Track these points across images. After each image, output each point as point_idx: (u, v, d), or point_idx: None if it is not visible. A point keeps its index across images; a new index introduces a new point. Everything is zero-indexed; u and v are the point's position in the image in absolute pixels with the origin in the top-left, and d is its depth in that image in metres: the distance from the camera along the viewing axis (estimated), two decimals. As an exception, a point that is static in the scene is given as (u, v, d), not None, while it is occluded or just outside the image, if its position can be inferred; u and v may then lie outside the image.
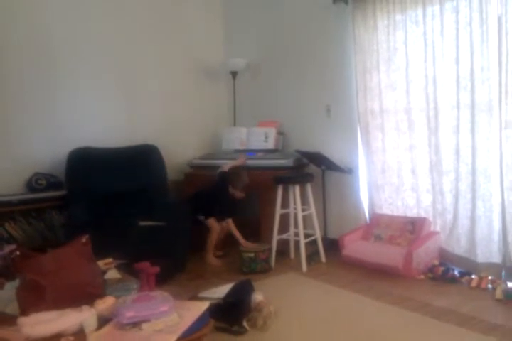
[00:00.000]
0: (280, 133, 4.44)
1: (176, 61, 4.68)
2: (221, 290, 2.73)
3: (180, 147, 4.60)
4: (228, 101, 4.99)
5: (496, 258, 3.13)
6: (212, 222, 3.75)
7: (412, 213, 3.61)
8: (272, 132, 4.37)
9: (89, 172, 3.68)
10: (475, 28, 3.02)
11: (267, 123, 4.49)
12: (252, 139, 4.43)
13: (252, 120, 4.65)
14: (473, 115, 3.10)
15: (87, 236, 2.08)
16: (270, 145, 4.34)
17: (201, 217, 3.76)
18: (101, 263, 2.34)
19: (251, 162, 4.06)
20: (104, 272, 2.30)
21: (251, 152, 4.29)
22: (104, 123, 4.19)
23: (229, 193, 3.79)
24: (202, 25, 4.89)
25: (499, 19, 2.91)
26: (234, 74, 4.74)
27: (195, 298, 2.64)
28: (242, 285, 2.75)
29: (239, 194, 3.82)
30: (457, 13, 3.11)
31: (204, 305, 1.84)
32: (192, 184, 4.18)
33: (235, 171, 3.83)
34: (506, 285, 2.95)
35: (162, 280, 2.37)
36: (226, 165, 3.92)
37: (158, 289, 2.04)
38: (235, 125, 4.82)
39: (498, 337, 2.36)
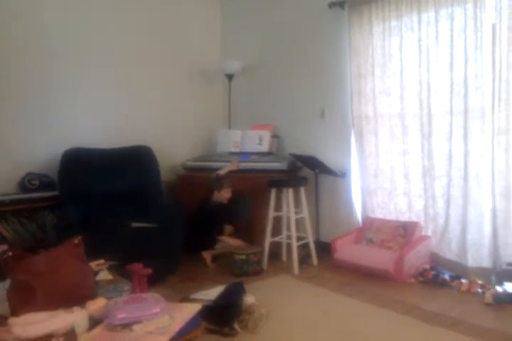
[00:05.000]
0: (275, 136, 4.45)
1: (171, 62, 4.69)
2: (213, 292, 2.73)
3: (174, 148, 4.59)
4: (223, 103, 5.00)
5: (486, 263, 3.16)
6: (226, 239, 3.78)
7: (404, 217, 3.63)
8: (267, 135, 4.39)
9: (82, 173, 3.67)
10: (469, 35, 3.06)
11: (262, 126, 4.51)
12: (246, 142, 4.44)
13: (247, 123, 4.67)
14: (466, 121, 3.13)
15: (79, 237, 2.08)
16: (264, 148, 4.35)
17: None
18: (93, 264, 2.33)
19: (245, 165, 4.06)
20: (96, 273, 2.29)
21: (245, 155, 4.30)
22: (98, 123, 4.19)
23: (217, 203, 3.78)
24: (198, 27, 4.90)
25: (493, 27, 2.95)
26: (230, 76, 4.75)
27: (186, 299, 2.64)
28: (234, 287, 2.75)
29: (224, 195, 3.80)
30: (452, 20, 3.14)
31: (196, 307, 1.85)
32: (185, 186, 4.17)
33: (218, 177, 3.83)
34: (496, 289, 2.98)
35: (154, 281, 2.37)
36: (221, 170, 3.90)
37: (150, 291, 2.04)
38: (230, 127, 4.83)
39: (487, 339, 2.38)
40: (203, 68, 4.91)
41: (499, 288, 2.99)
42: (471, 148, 3.13)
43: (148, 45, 4.51)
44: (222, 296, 2.64)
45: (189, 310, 1.83)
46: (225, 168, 3.94)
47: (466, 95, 3.10)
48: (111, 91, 4.28)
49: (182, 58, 4.76)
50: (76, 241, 2.07)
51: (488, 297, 2.89)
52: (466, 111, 3.11)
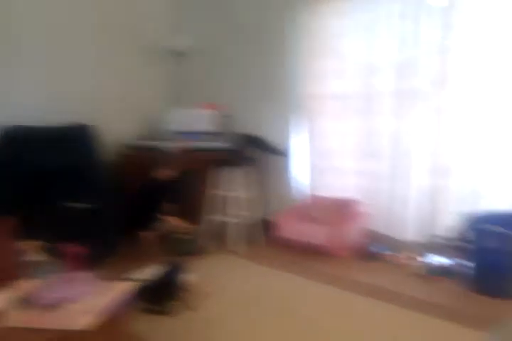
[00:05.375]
0: (224, 115, 4.44)
1: (116, 37, 4.47)
2: (151, 272, 2.73)
3: (119, 127, 4.47)
4: (172, 81, 4.91)
5: (417, 237, 3.35)
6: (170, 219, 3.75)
7: (346, 195, 3.75)
8: (216, 114, 4.37)
9: (18, 151, 3.51)
10: (417, 18, 3.13)
11: (211, 105, 4.48)
12: (194, 121, 4.41)
13: (195, 101, 4.62)
14: (403, 102, 3.25)
15: (10, 216, 2.03)
16: (212, 127, 4.34)
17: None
18: (26, 244, 2.30)
19: (192, 144, 4.05)
20: (28, 253, 2.26)
21: (193, 134, 4.28)
22: (36, 100, 4.00)
23: (160, 181, 3.76)
24: (147, 2, 4.73)
25: (441, 10, 3.02)
26: (179, 54, 4.67)
27: (123, 279, 2.64)
28: (173, 266, 2.76)
29: (165, 172, 3.75)
30: (401, 2, 3.19)
31: (128, 286, 1.86)
32: (130, 165, 4.11)
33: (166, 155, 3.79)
34: (425, 261, 3.16)
35: (92, 262, 2.36)
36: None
37: (87, 271, 2.04)
38: (178, 106, 4.77)
39: (419, 310, 2.54)
40: (150, 45, 4.78)
41: (429, 260, 3.16)
42: (406, 128, 3.24)
43: (87, 18, 4.24)
44: (161, 275, 2.65)
45: (121, 289, 1.85)
46: (172, 147, 3.89)
47: (409, 76, 3.20)
48: (50, 67, 4.04)
49: (128, 33, 4.58)
50: (7, 220, 2.03)
51: (418, 268, 3.08)
52: (408, 91, 3.22)
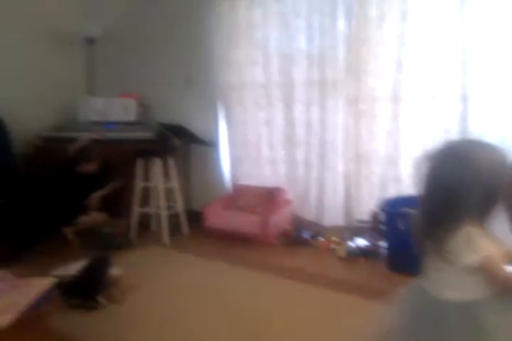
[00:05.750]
0: (141, 105, 4.30)
1: (22, 23, 4.19)
2: (75, 267, 2.62)
3: (31, 118, 4.17)
4: (87, 69, 4.65)
5: (340, 221, 3.48)
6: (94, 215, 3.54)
7: (270, 183, 3.80)
8: (133, 104, 4.22)
9: None
10: (326, 8, 3.21)
11: (128, 94, 4.32)
12: (111, 111, 4.23)
13: (111, 91, 4.43)
14: (322, 91, 3.33)
15: None
16: (131, 117, 4.19)
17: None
18: None
19: (111, 135, 3.88)
20: None
21: (110, 124, 4.10)
22: None
23: (82, 174, 3.57)
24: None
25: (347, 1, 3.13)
26: (90, 40, 4.43)
27: (45, 275, 2.49)
28: (98, 260, 2.66)
29: (89, 166, 3.61)
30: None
31: (48, 282, 1.75)
32: (44, 158, 3.85)
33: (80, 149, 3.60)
34: (348, 244, 3.29)
35: (9, 259, 2.19)
36: (72, 147, 3.64)
37: (4, 269, 1.88)
38: (92, 95, 4.54)
39: (340, 290, 2.63)
40: (59, 32, 4.48)
41: (351, 243, 3.30)
42: (326, 117, 3.35)
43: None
44: (85, 270, 2.54)
45: (41, 285, 1.73)
46: (80, 141, 3.68)
47: (322, 66, 3.29)
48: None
49: (35, 19, 4.28)
50: None
51: (341, 251, 3.20)
52: (322, 81, 3.31)
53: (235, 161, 3.93)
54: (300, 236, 3.49)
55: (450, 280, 1.18)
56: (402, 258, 2.85)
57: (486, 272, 1.12)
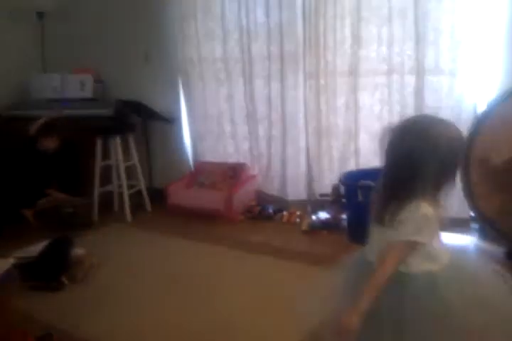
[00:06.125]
0: (98, 81, 4.16)
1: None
2: (36, 249, 2.58)
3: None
4: (37, 45, 4.43)
5: (303, 196, 3.54)
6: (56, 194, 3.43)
7: (233, 159, 3.80)
8: (89, 80, 4.08)
9: None
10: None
11: (84, 70, 4.16)
12: (66, 87, 4.07)
13: (66, 66, 4.24)
14: (282, 66, 3.31)
15: None
16: (87, 93, 4.05)
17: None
18: None
19: (67, 112, 3.73)
20: None
21: (66, 101, 3.96)
22: None
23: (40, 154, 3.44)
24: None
25: None
26: (40, 14, 4.21)
27: (6, 257, 2.44)
28: (59, 241, 2.62)
29: (49, 142, 3.48)
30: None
31: (5, 263, 1.71)
32: (1, 138, 3.68)
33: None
34: (311, 218, 3.36)
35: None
36: (33, 125, 3.49)
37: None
38: (45, 71, 4.35)
39: (304, 261, 2.70)
40: (8, 5, 4.22)
41: (314, 217, 3.37)
42: (286, 92, 3.35)
43: None
44: (46, 251, 2.50)
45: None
46: (40, 119, 3.54)
47: (281, 41, 3.26)
48: None
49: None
50: None
51: (305, 225, 3.26)
52: (281, 56, 3.29)
53: (196, 138, 3.89)
54: (264, 211, 3.53)
55: None
56: (362, 229, 2.95)
57: (385, 252, 1.19)
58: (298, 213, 3.46)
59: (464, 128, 2.58)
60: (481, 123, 2.49)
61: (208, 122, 3.80)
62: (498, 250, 2.59)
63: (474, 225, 2.94)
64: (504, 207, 2.46)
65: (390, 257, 1.19)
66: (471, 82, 2.74)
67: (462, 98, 2.78)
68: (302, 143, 3.42)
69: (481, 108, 2.65)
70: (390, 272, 1.18)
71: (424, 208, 1.15)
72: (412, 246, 1.19)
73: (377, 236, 1.28)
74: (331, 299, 1.39)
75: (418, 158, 1.13)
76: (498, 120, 2.43)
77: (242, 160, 3.76)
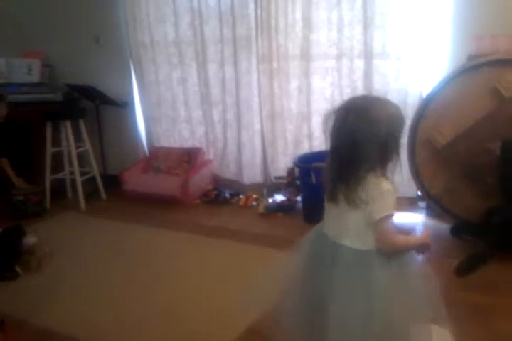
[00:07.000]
0: (46, 65, 4.02)
1: None
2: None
3: None
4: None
5: (259, 179, 3.58)
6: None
7: (188, 144, 3.79)
8: (37, 64, 3.93)
9: None
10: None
11: (31, 53, 4.00)
12: (13, 72, 3.91)
13: (11, 50, 4.06)
14: (235, 49, 3.31)
15: None
16: (35, 78, 3.91)
17: None
18: None
19: (14, 97, 3.59)
20: None
21: (13, 86, 3.80)
22: None
23: None
24: None
25: None
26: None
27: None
28: (10, 230, 2.56)
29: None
30: None
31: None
32: None
33: None
34: (267, 201, 3.42)
35: None
36: None
37: None
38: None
39: (260, 244, 2.75)
40: None
41: (270, 200, 3.43)
42: (240, 76, 3.35)
43: None
44: (-4, 240, 2.43)
45: None
46: None
47: (234, 24, 3.24)
48: None
49: None
50: None
51: (261, 208, 3.31)
52: (234, 39, 3.28)
53: (150, 122, 3.85)
54: (221, 195, 3.56)
55: (350, 228, 1.28)
56: (316, 210, 3.02)
57: (376, 231, 1.25)
58: (254, 196, 3.50)
59: (410, 111, 2.69)
60: (425, 106, 2.59)
61: (161, 106, 3.76)
62: (443, 227, 2.73)
63: (421, 204, 3.08)
64: (447, 185, 2.59)
65: (387, 233, 1.24)
66: (417, 66, 2.83)
67: (409, 82, 2.88)
68: (257, 127, 3.44)
69: (426, 92, 2.74)
70: (395, 242, 1.26)
71: (385, 184, 1.22)
72: (391, 219, 1.25)
73: (337, 214, 1.32)
74: (288, 278, 1.43)
75: (361, 138, 1.17)
76: (441, 104, 2.53)
77: (197, 145, 3.75)
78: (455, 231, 2.67)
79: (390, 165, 1.25)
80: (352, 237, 1.28)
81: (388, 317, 1.23)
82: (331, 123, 1.24)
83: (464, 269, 2.24)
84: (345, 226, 1.29)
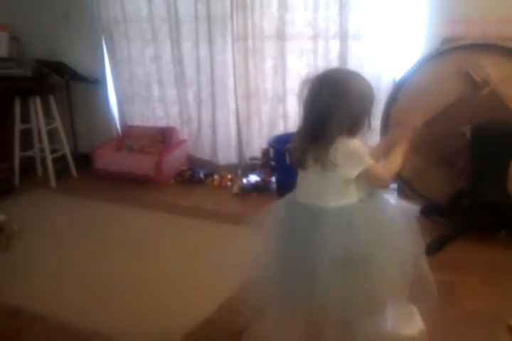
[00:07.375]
0: (13, 39, 3.87)
1: None
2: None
3: None
4: None
5: (234, 159, 3.58)
6: None
7: (162, 123, 3.74)
8: (4, 37, 3.79)
9: None
10: None
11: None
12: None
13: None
14: (210, 27, 3.24)
15: None
16: (2, 52, 3.77)
17: None
18: None
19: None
20: None
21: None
22: None
23: None
24: None
25: None
26: None
27: None
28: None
29: None
30: None
31: None
32: None
33: None
34: (242, 181, 3.42)
35: None
36: None
37: None
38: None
39: (233, 223, 2.73)
40: None
41: (244, 180, 3.44)
42: (215, 54, 3.30)
43: None
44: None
45: None
46: None
47: (208, 1, 3.17)
48: None
49: None
50: None
51: (235, 188, 3.32)
52: (209, 17, 3.21)
53: (122, 100, 3.77)
54: (195, 176, 3.54)
55: (329, 190, 1.35)
56: (290, 190, 3.06)
57: (368, 179, 1.34)
58: (229, 177, 3.50)
59: (383, 96, 2.71)
60: (398, 90, 2.61)
61: (134, 84, 3.68)
62: (413, 208, 2.79)
63: (392, 185, 3.14)
64: (418, 167, 2.64)
65: (378, 175, 1.35)
66: (392, 50, 2.84)
67: (382, 66, 2.88)
68: (232, 107, 3.41)
69: (400, 75, 2.76)
70: (388, 175, 1.38)
71: (351, 141, 1.29)
72: (373, 167, 1.33)
73: (313, 179, 1.38)
74: (260, 247, 1.53)
75: (333, 107, 1.26)
76: (414, 87, 2.55)
77: (171, 124, 3.71)
78: (425, 212, 2.74)
79: (358, 135, 1.34)
80: (335, 197, 1.35)
81: (366, 257, 1.32)
82: (305, 92, 1.31)
83: (433, 249, 2.30)
84: (323, 189, 1.36)
